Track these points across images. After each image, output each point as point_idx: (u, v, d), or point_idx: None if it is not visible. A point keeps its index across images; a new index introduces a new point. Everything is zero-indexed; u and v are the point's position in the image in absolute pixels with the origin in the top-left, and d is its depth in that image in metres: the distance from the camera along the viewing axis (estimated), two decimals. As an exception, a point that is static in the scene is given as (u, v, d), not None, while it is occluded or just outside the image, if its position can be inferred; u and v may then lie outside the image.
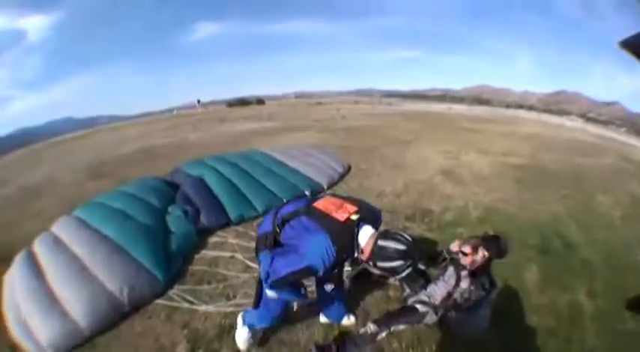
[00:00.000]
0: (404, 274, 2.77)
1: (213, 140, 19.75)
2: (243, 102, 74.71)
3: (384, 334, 3.67)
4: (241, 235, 6.72)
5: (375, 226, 2.95)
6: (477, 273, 3.80)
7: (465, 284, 3.81)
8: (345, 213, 2.87)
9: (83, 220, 6.03)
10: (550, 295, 5.22)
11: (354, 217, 2.85)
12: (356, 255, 2.85)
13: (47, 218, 8.20)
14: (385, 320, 3.78)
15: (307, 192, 7.90)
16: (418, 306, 3.84)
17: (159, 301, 4.92)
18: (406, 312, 3.86)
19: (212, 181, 7.81)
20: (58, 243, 5.44)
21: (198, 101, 58.62)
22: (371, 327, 3.67)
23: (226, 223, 6.99)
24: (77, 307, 4.30)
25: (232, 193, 7.44)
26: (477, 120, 33.07)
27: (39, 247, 5.45)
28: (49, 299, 4.43)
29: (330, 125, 24.73)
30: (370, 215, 2.99)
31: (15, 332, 4.23)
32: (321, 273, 2.74)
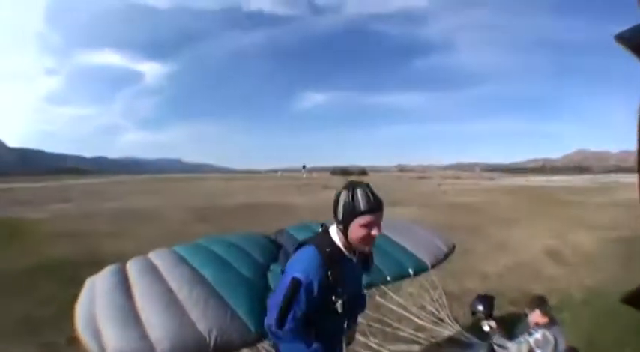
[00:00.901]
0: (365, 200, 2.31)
1: (316, 205, 19.67)
2: (345, 171, 76.12)
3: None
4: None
5: None
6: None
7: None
8: None
9: (183, 257, 5.78)
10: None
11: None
12: (345, 251, 2.48)
13: (144, 242, 8.27)
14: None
15: (411, 271, 7.32)
16: None
17: (245, 350, 4.55)
18: None
19: (315, 247, 7.37)
20: (153, 270, 5.20)
21: (304, 166, 60.31)
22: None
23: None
24: (159, 332, 3.95)
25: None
26: (577, 192, 31.29)
27: (133, 267, 5.24)
28: (131, 316, 4.16)
29: (433, 200, 24.60)
30: None
31: (81, 331, 4.05)
32: (314, 286, 2.33)
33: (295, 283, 2.30)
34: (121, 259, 6.08)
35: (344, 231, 2.39)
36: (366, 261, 2.76)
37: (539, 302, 4.13)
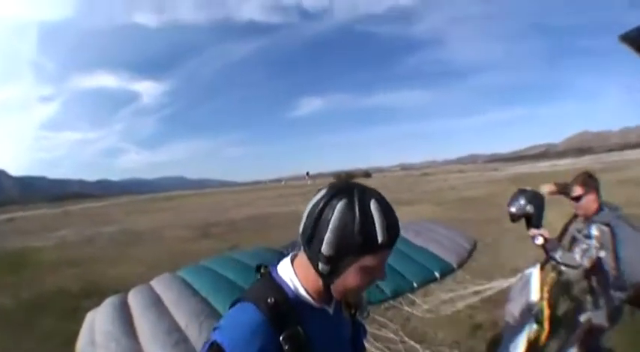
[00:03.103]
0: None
1: (324, 213, 19.53)
2: (349, 175, 75.75)
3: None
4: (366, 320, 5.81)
5: None
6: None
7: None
8: None
9: (189, 284, 5.43)
10: None
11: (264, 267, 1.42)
12: (310, 300, 1.33)
13: (146, 266, 8.13)
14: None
15: (437, 274, 7.01)
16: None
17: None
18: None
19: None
20: (158, 303, 4.90)
21: (307, 173, 60.63)
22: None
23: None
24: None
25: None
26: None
27: (135, 300, 4.96)
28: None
29: (442, 197, 24.04)
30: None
31: None
32: None
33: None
34: (123, 286, 5.90)
35: (328, 276, 1.28)
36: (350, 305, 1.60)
37: (589, 181, 3.29)
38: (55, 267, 10.18)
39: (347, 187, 1.24)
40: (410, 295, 6.08)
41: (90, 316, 4.78)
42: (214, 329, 1.31)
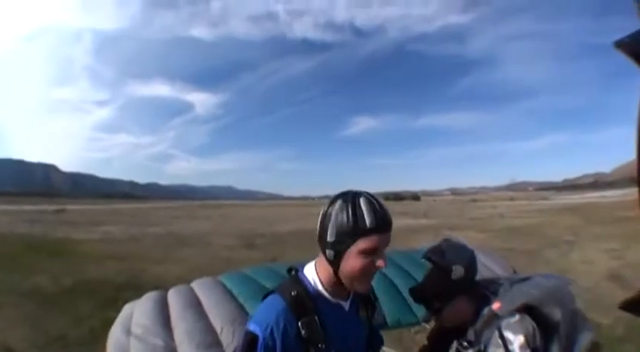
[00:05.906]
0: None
1: (370, 233, 19.90)
2: (398, 196, 75.81)
3: None
4: (394, 341, 5.82)
5: None
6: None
7: None
8: None
9: (229, 290, 5.54)
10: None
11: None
12: (326, 294, 1.70)
13: (189, 268, 8.22)
14: None
15: None
16: None
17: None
18: None
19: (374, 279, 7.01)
20: (196, 305, 4.97)
21: (357, 193, 62.26)
22: None
23: (380, 326, 6.07)
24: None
25: (393, 295, 6.59)
26: (633, 206, 30.73)
27: (174, 299, 5.02)
28: (167, 352, 3.94)
29: (489, 224, 24.31)
30: None
31: None
32: (277, 343, 1.58)
33: (250, 340, 1.63)
34: (164, 284, 6.01)
35: (334, 261, 1.63)
36: (367, 304, 1.93)
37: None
38: (99, 259, 10.64)
39: (344, 192, 1.67)
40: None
41: (128, 307, 4.89)
42: (249, 318, 1.72)
